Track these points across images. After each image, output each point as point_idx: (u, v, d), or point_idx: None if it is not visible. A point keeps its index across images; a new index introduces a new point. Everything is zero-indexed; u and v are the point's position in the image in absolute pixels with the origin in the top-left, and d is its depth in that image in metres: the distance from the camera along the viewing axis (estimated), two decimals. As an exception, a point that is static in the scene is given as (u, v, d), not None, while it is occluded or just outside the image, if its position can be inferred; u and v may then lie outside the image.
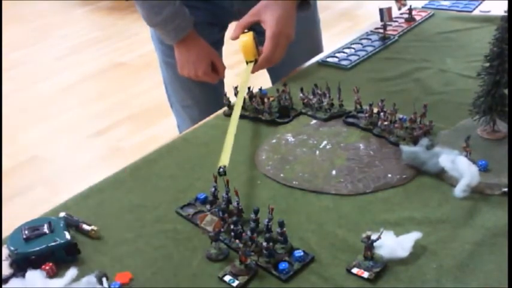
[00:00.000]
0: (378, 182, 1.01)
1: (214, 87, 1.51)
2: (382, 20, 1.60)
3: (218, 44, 1.55)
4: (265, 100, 1.26)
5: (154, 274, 0.85)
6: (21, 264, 0.85)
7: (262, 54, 1.31)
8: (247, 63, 1.33)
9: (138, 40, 4.42)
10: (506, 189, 0.94)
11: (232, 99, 1.29)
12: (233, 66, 1.56)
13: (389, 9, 1.60)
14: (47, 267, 0.85)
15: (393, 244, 0.84)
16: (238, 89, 1.27)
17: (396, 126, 1.10)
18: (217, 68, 1.47)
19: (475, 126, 1.09)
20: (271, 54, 1.30)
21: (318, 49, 1.63)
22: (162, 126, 3.03)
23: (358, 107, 1.22)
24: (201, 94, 1.56)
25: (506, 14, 1.00)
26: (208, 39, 1.45)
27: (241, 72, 1.53)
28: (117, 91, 3.70)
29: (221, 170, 0.95)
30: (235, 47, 1.37)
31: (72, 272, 0.84)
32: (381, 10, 1.59)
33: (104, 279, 0.82)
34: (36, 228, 0.89)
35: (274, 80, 1.59)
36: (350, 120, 1.20)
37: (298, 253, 0.85)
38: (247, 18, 1.34)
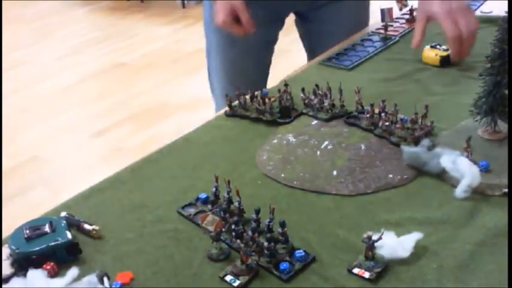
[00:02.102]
0: (378, 182, 1.01)
1: (257, 83, 1.48)
2: (383, 20, 1.60)
3: (271, 42, 1.50)
4: (267, 100, 1.26)
5: (155, 274, 0.85)
6: (23, 264, 0.85)
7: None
8: None
9: (138, 40, 4.43)
10: (506, 190, 0.94)
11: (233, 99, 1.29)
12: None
13: (390, 10, 1.60)
14: (48, 267, 0.85)
15: (394, 244, 0.84)
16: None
17: (397, 126, 1.10)
18: (240, 19, 1.38)
19: (476, 127, 1.09)
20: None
21: (366, 22, 1.62)
22: (163, 126, 3.04)
23: (359, 107, 1.22)
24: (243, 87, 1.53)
25: (506, 14, 1.00)
26: (263, 37, 1.42)
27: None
28: (117, 91, 3.70)
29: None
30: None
31: (73, 271, 0.84)
32: (382, 10, 1.59)
33: (105, 279, 0.82)
34: (37, 227, 0.89)
35: (310, 56, 1.56)
36: (351, 120, 1.20)
37: (299, 253, 0.85)
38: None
